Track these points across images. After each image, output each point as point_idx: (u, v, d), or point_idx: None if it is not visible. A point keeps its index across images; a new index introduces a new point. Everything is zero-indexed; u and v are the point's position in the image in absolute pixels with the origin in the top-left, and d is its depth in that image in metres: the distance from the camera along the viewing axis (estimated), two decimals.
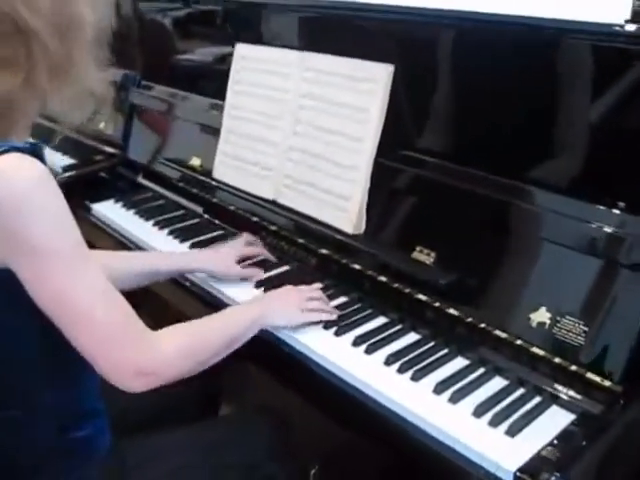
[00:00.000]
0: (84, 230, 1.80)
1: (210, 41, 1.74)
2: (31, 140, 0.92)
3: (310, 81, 1.37)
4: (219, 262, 1.34)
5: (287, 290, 1.23)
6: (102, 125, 1.98)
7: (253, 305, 1.17)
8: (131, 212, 1.70)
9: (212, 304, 1.31)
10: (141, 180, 1.86)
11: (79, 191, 1.80)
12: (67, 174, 1.83)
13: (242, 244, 1.41)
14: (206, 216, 1.63)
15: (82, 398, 1.00)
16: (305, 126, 1.38)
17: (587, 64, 1.05)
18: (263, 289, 1.31)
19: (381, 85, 1.24)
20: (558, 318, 1.00)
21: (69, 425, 0.98)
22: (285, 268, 1.39)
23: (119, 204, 1.75)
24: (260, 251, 1.41)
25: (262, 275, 1.35)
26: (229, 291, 1.31)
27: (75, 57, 0.87)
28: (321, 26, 1.41)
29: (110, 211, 1.72)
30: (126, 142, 1.92)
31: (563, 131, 1.10)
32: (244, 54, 1.53)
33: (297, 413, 1.20)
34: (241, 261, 1.36)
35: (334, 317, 1.20)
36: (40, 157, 0.86)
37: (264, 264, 1.39)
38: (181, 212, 1.68)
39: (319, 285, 1.27)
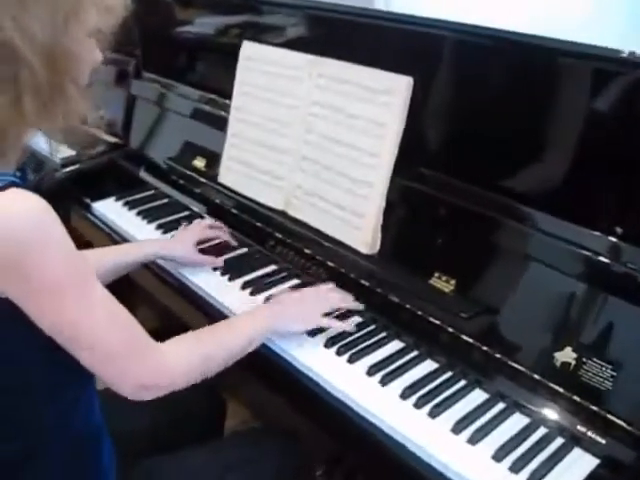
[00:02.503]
0: (85, 230, 1.74)
1: (218, 34, 1.64)
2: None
3: (323, 88, 1.29)
4: (179, 248, 1.36)
5: (303, 293, 1.20)
6: (102, 112, 1.90)
7: (264, 314, 1.13)
8: (133, 213, 1.64)
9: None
10: (143, 175, 1.79)
11: (79, 187, 1.73)
12: (67, 169, 1.76)
13: (201, 227, 1.43)
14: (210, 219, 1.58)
15: (83, 419, 0.96)
16: (317, 136, 1.31)
17: (594, 87, 1.01)
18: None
19: (400, 98, 1.16)
20: (584, 360, 0.97)
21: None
22: (295, 282, 1.34)
23: (120, 202, 1.69)
24: (220, 234, 1.44)
25: (220, 262, 1.37)
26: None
27: (67, 90, 0.82)
28: (336, 30, 1.33)
29: (111, 211, 1.66)
30: (126, 134, 1.85)
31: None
32: (251, 54, 1.45)
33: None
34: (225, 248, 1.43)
35: (353, 328, 1.17)
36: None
37: (280, 280, 1.35)
38: (185, 214, 1.62)
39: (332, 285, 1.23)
